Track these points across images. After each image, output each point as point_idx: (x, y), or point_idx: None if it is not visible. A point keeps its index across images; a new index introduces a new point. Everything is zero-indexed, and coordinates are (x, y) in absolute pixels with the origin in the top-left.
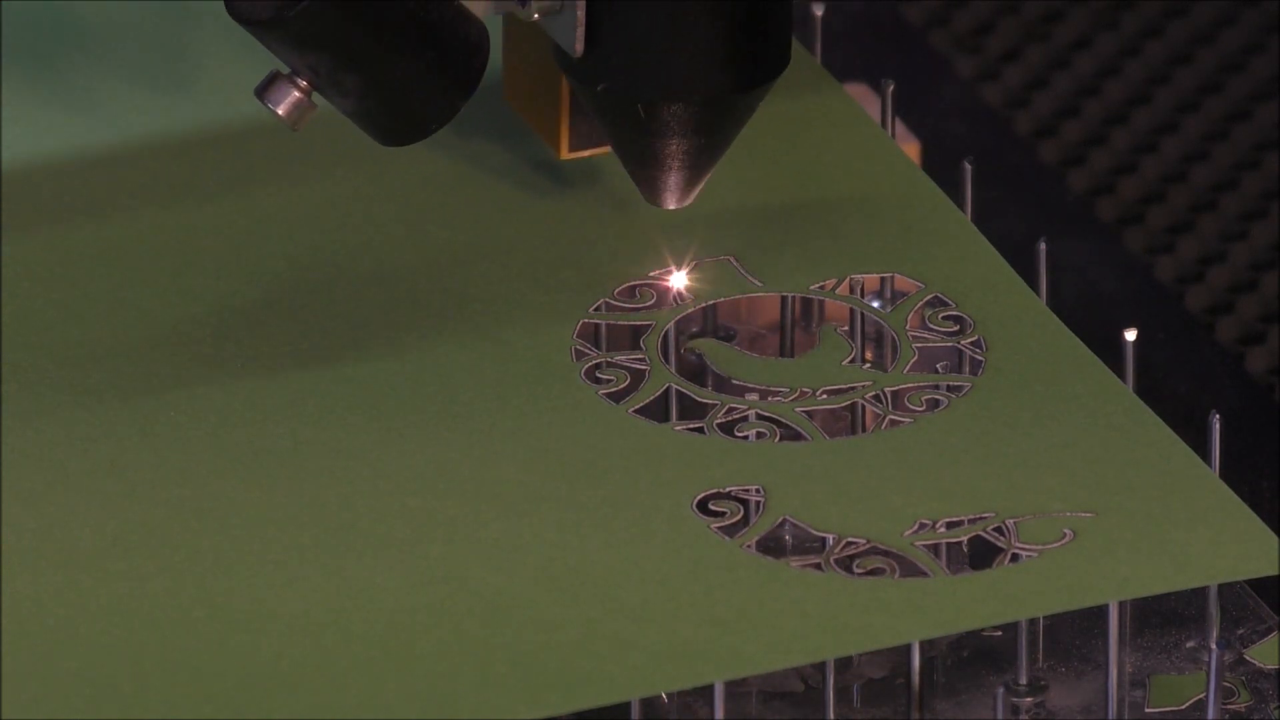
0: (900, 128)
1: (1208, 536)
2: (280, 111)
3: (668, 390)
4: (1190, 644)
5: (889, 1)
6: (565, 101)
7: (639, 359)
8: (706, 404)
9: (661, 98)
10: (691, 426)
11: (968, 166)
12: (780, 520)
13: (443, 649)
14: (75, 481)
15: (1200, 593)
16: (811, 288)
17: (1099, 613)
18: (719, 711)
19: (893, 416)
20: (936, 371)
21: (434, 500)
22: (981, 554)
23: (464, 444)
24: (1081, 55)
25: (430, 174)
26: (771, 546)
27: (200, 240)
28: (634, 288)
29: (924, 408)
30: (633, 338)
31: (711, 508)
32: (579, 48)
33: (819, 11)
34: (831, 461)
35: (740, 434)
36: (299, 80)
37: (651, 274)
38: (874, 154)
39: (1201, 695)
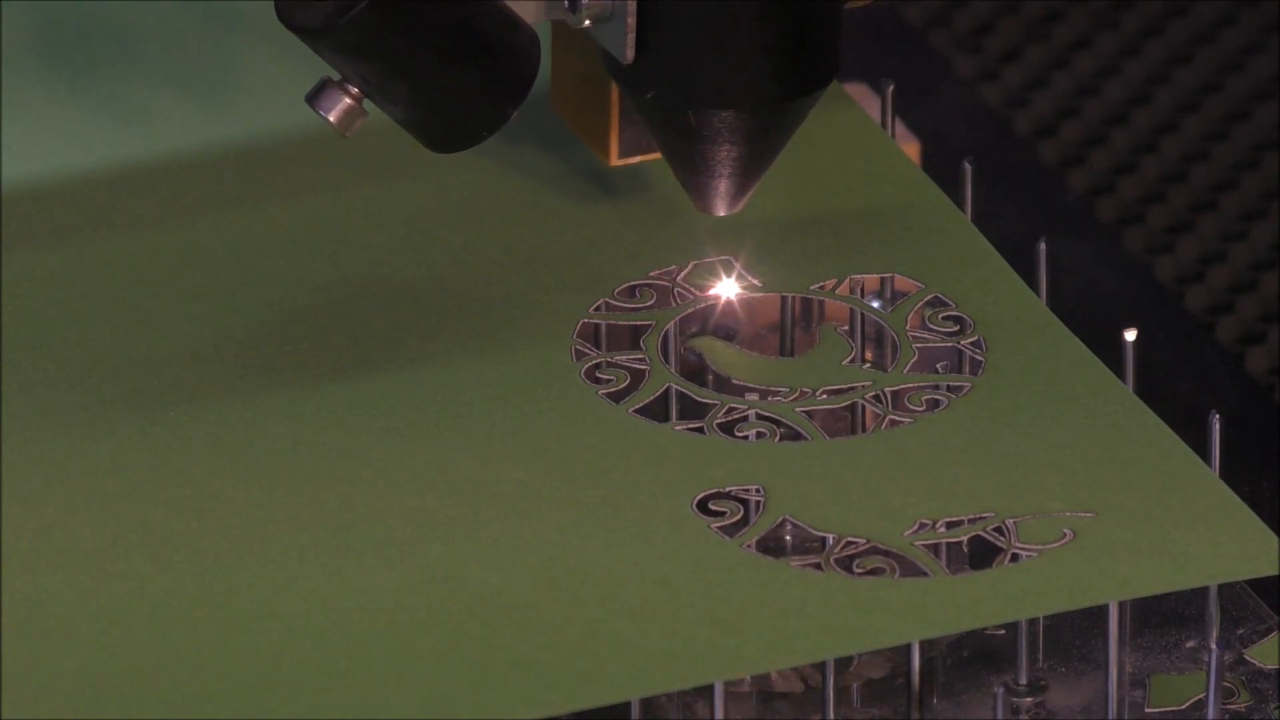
0: (900, 128)
1: (1208, 536)
2: (331, 118)
3: (668, 390)
4: (1190, 644)
5: (889, 1)
6: (615, 109)
7: (639, 359)
8: (706, 404)
9: (712, 105)
10: (691, 426)
11: (968, 166)
12: (780, 520)
13: (443, 649)
14: (75, 481)
15: (1200, 593)
16: (811, 288)
17: (1099, 613)
18: (719, 711)
19: (893, 416)
20: (936, 371)
21: (434, 500)
22: (981, 554)
23: (464, 444)
24: (1081, 55)
25: (437, 178)
26: (771, 546)
27: (201, 241)
28: (634, 288)
29: (924, 408)
30: (633, 338)
31: (711, 507)
32: (629, 55)
33: None
34: (831, 461)
35: (740, 434)
36: (349, 87)
37: (652, 274)
38: (874, 154)
39: (1201, 695)
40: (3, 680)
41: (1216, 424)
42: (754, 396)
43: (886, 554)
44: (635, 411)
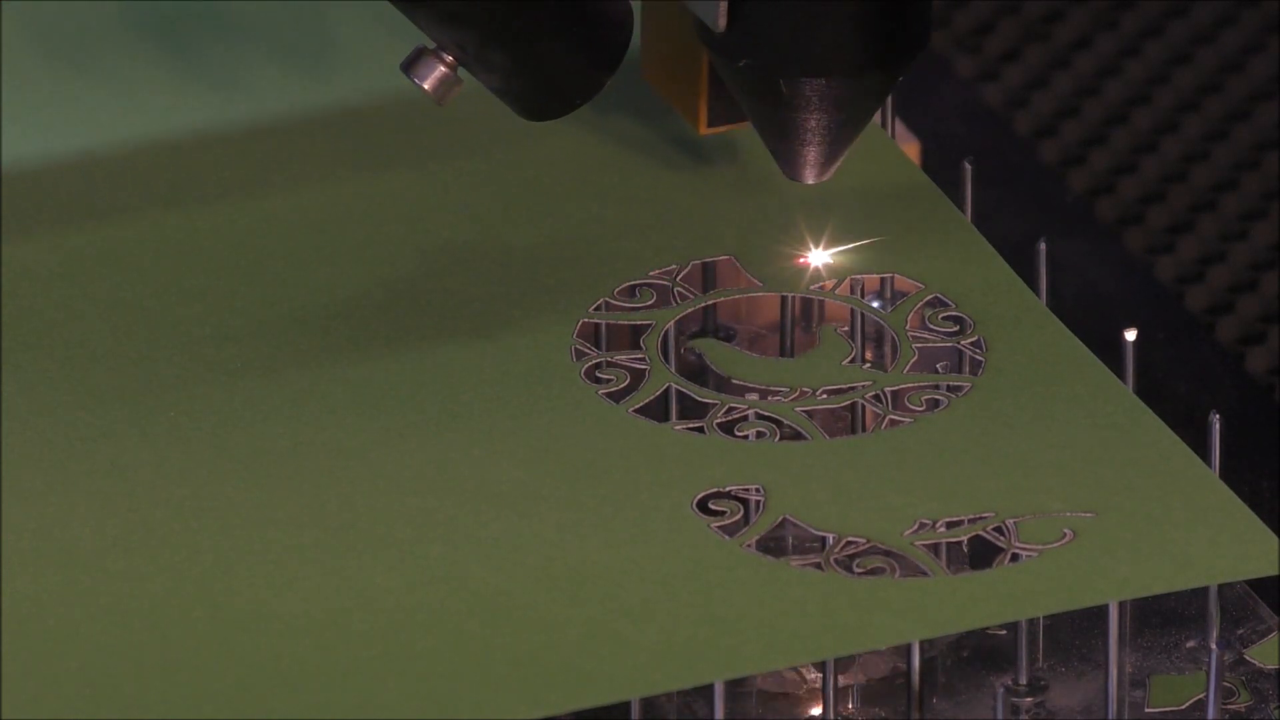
0: (900, 128)
1: (1208, 536)
2: (426, 86)
3: (668, 390)
4: (1190, 644)
5: None
6: (704, 77)
7: (639, 359)
8: (706, 404)
9: (802, 73)
10: (691, 426)
11: (968, 166)
12: (780, 520)
13: (443, 649)
14: (75, 481)
15: (1200, 593)
16: (811, 288)
17: (1099, 613)
18: (719, 711)
19: (893, 416)
20: (936, 371)
21: (434, 500)
22: (981, 554)
23: (464, 444)
24: (1081, 55)
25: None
26: (771, 546)
27: (201, 240)
28: (634, 287)
29: (924, 408)
30: (633, 338)
31: (711, 507)
32: (722, 23)
33: None
34: (831, 461)
35: (740, 434)
36: (445, 55)
37: (651, 273)
38: (874, 154)
39: (1201, 695)
40: (3, 680)
41: (1216, 424)
42: (754, 396)
43: (886, 554)
44: (635, 411)
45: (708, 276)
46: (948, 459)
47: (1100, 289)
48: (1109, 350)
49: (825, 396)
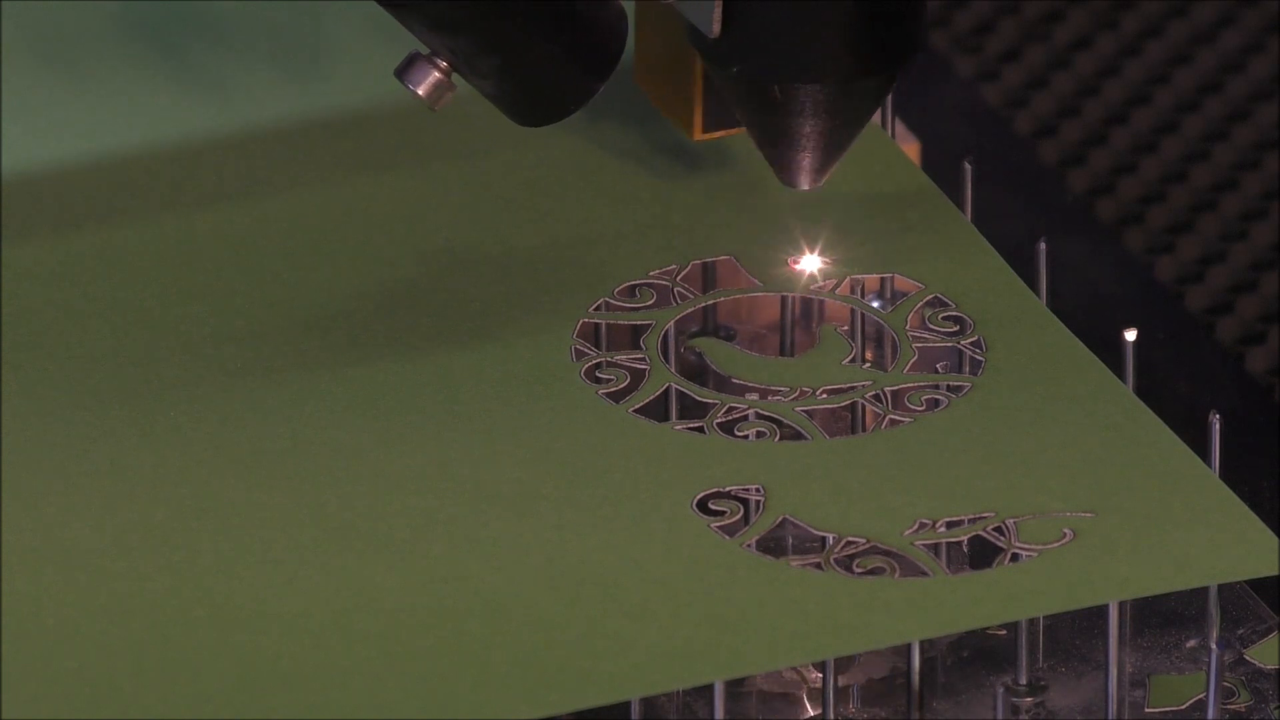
0: (900, 128)
1: (1208, 536)
2: (420, 92)
3: (668, 390)
4: (1190, 644)
5: None
6: (699, 84)
7: (639, 359)
8: (706, 403)
9: (796, 79)
10: (691, 426)
11: (968, 166)
12: (780, 520)
13: (443, 649)
14: (75, 481)
15: (1200, 593)
16: (811, 288)
17: (1099, 613)
18: (719, 711)
19: (893, 416)
20: (936, 371)
21: (434, 500)
22: (981, 554)
23: (464, 444)
24: (1081, 55)
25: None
26: (771, 546)
27: (201, 241)
28: (634, 287)
29: (924, 408)
30: (633, 337)
31: (711, 507)
32: (715, 29)
33: None
34: (831, 461)
35: (740, 433)
36: (439, 61)
37: (651, 273)
38: (874, 154)
39: (1201, 695)
40: (3, 680)
41: (1216, 424)
42: (754, 396)
43: (886, 554)
44: (635, 411)
45: (708, 276)
46: (948, 459)
47: (1100, 289)
48: (1109, 350)
49: (825, 396)
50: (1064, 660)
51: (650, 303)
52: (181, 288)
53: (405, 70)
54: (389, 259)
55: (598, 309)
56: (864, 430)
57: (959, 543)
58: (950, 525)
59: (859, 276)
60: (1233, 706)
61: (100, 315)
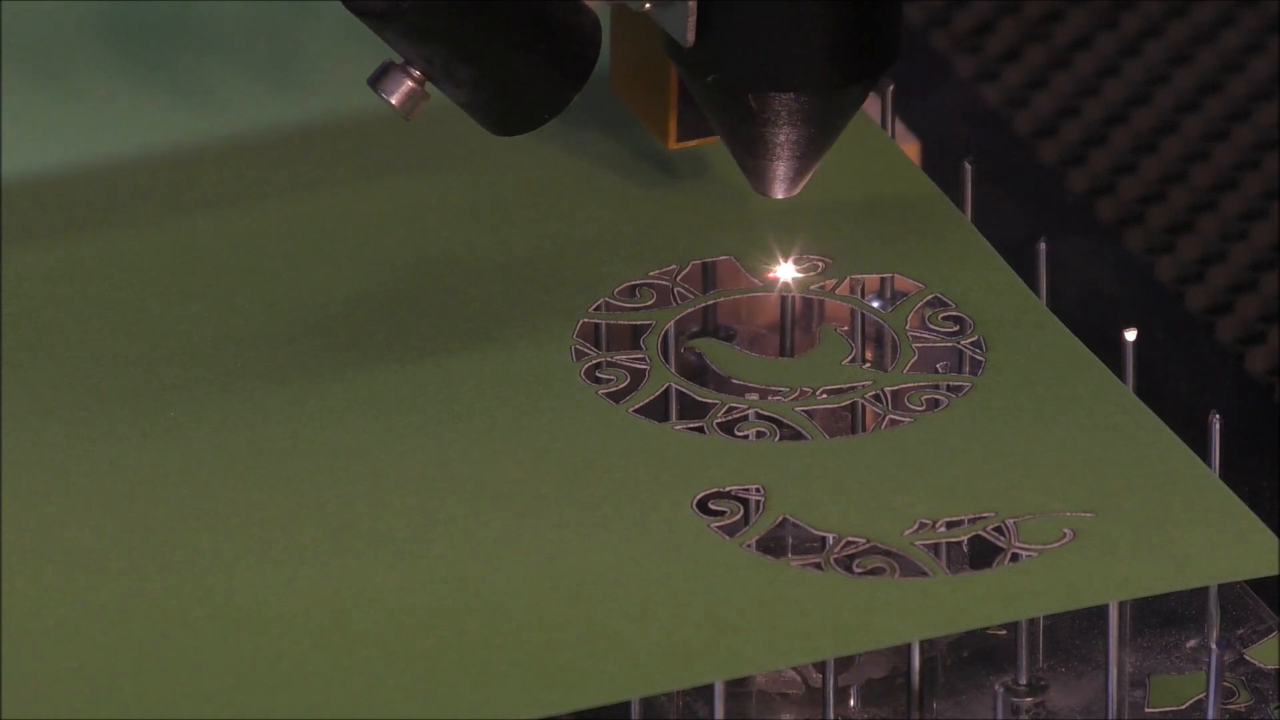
0: (900, 128)
1: (1208, 536)
2: (394, 101)
3: (668, 390)
4: (1190, 644)
5: None
6: (674, 92)
7: (639, 359)
8: (706, 403)
9: (771, 88)
10: (691, 426)
11: (968, 166)
12: (780, 520)
13: (443, 649)
14: (75, 481)
15: (1200, 593)
16: (811, 288)
17: (1099, 613)
18: (719, 711)
19: (893, 416)
20: (936, 371)
21: (434, 500)
22: (981, 554)
23: (464, 444)
24: (1081, 55)
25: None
26: (771, 546)
27: (201, 242)
28: (634, 287)
29: (924, 407)
30: (633, 338)
31: (711, 507)
32: (690, 38)
33: None
34: (831, 461)
35: (740, 433)
36: (412, 70)
37: (651, 273)
38: (874, 154)
39: (1201, 695)
40: (3, 680)
41: (1216, 424)
42: (754, 396)
43: (886, 554)
44: (635, 411)
45: (708, 276)
46: (948, 459)
47: (1100, 289)
48: (1109, 350)
49: (825, 396)
50: (1064, 660)
51: (650, 303)
52: (182, 289)
53: (379, 79)
54: (389, 259)
55: (598, 309)
56: (864, 430)
57: (959, 543)
58: (950, 525)
59: (859, 276)
60: (1233, 706)
61: (100, 315)
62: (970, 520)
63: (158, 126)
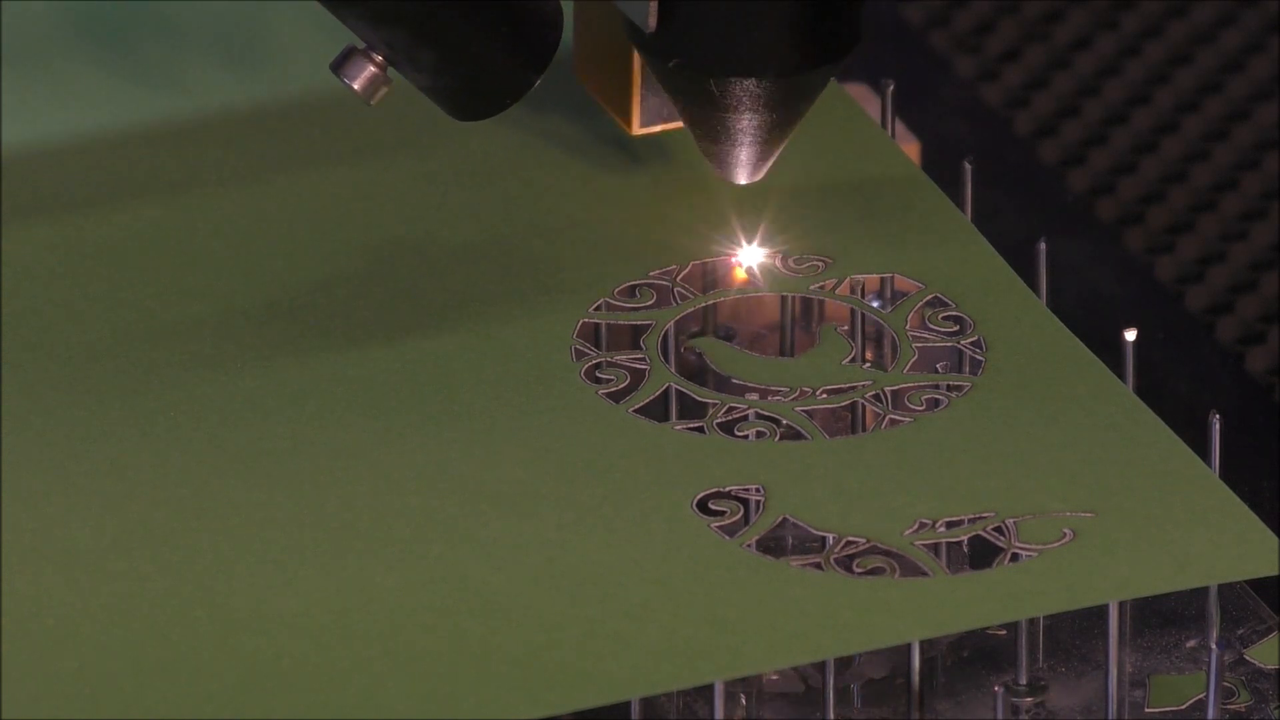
0: (900, 128)
1: (1208, 536)
2: (356, 86)
3: (668, 390)
4: (1190, 644)
5: (889, 1)
6: (637, 77)
7: (639, 359)
8: (706, 403)
9: (733, 73)
10: (691, 426)
11: (968, 166)
12: (780, 519)
13: (443, 649)
14: (75, 481)
15: (1200, 593)
16: (811, 288)
17: (1099, 613)
18: (719, 711)
19: (893, 416)
20: (936, 371)
21: (434, 500)
22: (981, 554)
23: (464, 444)
24: (1081, 55)
25: (436, 168)
26: (771, 546)
27: (200, 239)
28: (634, 287)
29: (924, 407)
30: (633, 338)
31: (711, 507)
32: (651, 23)
33: None
34: (831, 461)
35: (740, 433)
36: (374, 55)
37: (651, 273)
38: (874, 154)
39: (1201, 695)
40: (3, 680)
41: (1216, 424)
42: (754, 396)
43: (886, 554)
44: (635, 411)
45: (708, 276)
46: (948, 459)
47: (1100, 289)
48: (1109, 350)
49: (825, 396)
50: (1064, 660)
51: (650, 303)
52: (181, 286)
53: (341, 64)
54: (389, 257)
55: (598, 309)
56: (864, 430)
57: (959, 543)
58: (950, 525)
59: (859, 276)
60: (1233, 706)
61: (100, 314)
62: (970, 520)
63: (157, 115)
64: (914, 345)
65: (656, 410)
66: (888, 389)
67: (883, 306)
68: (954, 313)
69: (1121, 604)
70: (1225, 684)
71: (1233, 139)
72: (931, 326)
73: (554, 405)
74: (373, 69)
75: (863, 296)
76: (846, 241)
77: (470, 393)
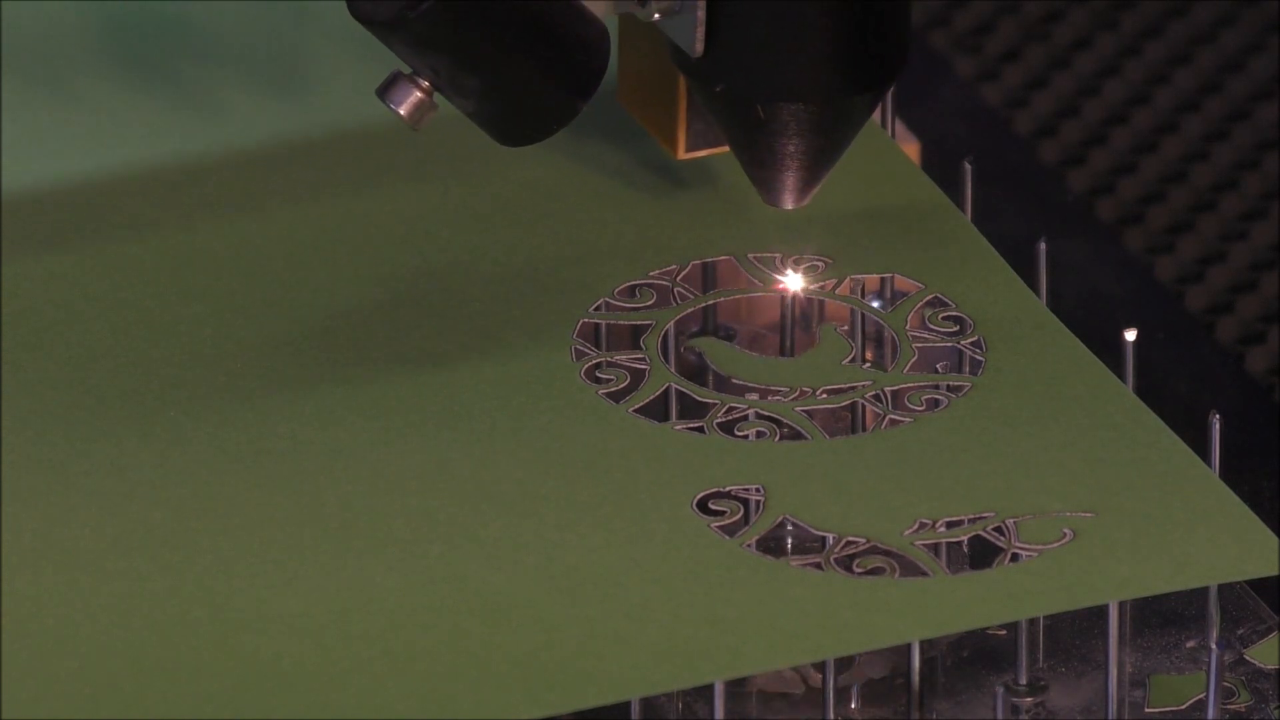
0: (900, 128)
1: (1208, 537)
2: (402, 111)
3: (668, 390)
4: (1190, 644)
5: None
6: (682, 102)
7: (639, 359)
8: (706, 403)
9: (780, 98)
10: (691, 426)
11: (968, 166)
12: (780, 519)
13: (443, 649)
14: (75, 481)
15: (1200, 593)
16: (811, 288)
17: (1099, 613)
18: (719, 711)
19: (893, 416)
20: (936, 371)
21: (434, 500)
22: (981, 554)
23: (464, 444)
24: (1081, 55)
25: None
26: (771, 546)
27: (201, 242)
28: (634, 287)
29: (924, 407)
30: (633, 338)
31: (711, 507)
32: (698, 48)
33: None
34: (831, 461)
35: (740, 433)
36: (420, 80)
37: (651, 273)
38: (874, 154)
39: (1201, 695)
40: (3, 680)
41: (1216, 424)
42: (754, 396)
43: (886, 554)
44: (635, 411)
45: (708, 276)
46: (948, 459)
47: (1100, 289)
48: (1109, 350)
49: (825, 396)
50: (1064, 660)
51: (650, 303)
52: (182, 288)
53: (387, 90)
54: (389, 259)
55: (598, 309)
56: (864, 430)
57: (959, 543)
58: (950, 525)
59: (859, 276)
60: (1233, 706)
61: (100, 317)
62: (970, 520)
63: (162, 133)
64: (914, 345)
65: (656, 410)
66: (888, 389)
67: (883, 306)
68: (954, 313)
69: (1121, 604)
70: (1225, 684)
71: (1233, 139)
72: (931, 326)
73: (554, 405)
74: (419, 94)
75: (863, 296)
76: (846, 241)
77: (470, 392)
